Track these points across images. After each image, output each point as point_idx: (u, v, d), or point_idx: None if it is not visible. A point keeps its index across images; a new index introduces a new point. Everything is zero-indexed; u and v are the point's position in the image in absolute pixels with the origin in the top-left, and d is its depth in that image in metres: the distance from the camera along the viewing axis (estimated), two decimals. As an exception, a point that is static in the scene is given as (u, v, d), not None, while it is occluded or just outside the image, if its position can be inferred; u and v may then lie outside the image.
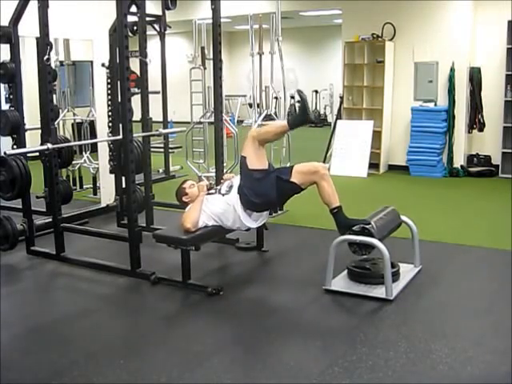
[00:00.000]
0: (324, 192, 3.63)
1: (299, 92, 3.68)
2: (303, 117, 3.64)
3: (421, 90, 8.03)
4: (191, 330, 3.22)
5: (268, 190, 3.70)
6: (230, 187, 3.85)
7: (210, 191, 3.94)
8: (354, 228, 3.62)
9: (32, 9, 4.19)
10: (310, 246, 4.78)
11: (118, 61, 4.02)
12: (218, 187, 3.98)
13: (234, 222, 3.80)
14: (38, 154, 4.80)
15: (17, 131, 4.45)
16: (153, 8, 5.97)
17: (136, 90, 5.08)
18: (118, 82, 4.04)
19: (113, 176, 5.34)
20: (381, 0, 8.01)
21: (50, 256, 4.43)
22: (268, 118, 5.94)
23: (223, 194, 3.83)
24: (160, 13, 5.49)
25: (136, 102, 4.27)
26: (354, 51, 8.33)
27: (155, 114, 5.34)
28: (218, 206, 3.79)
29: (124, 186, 4.54)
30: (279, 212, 5.76)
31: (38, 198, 5.13)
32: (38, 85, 4.57)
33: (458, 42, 7.72)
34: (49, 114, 4.29)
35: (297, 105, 3.72)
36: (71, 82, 7.32)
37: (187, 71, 6.66)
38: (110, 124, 5.19)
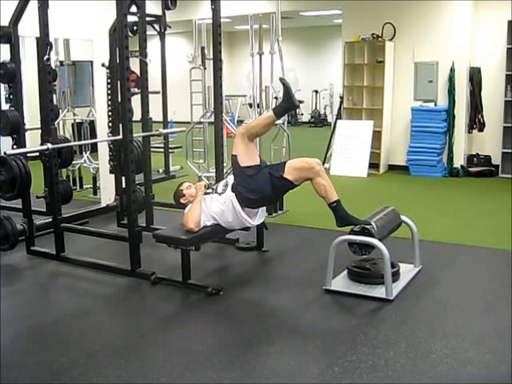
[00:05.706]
0: (320, 188, 3.61)
1: (282, 80, 3.68)
2: (287, 103, 3.63)
3: (421, 89, 8.03)
4: (191, 330, 3.22)
5: (262, 186, 3.68)
6: (226, 186, 3.86)
7: (207, 191, 3.94)
8: (354, 228, 3.62)
9: (32, 9, 4.19)
10: (310, 246, 4.78)
11: (118, 61, 4.02)
12: (215, 187, 3.98)
13: (234, 220, 3.80)
14: (38, 154, 4.79)
15: (17, 131, 4.45)
16: (153, 8, 5.96)
17: (136, 89, 5.08)
18: (118, 82, 4.04)
19: (113, 176, 5.34)
20: (381, 0, 8.02)
21: (50, 256, 4.43)
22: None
23: (220, 193, 3.83)
24: (160, 13, 5.48)
25: (136, 102, 4.27)
26: (353, 51, 8.33)
27: (155, 114, 5.34)
28: (216, 205, 3.79)
29: (124, 186, 4.54)
30: (279, 212, 5.76)
31: (38, 197, 5.13)
32: (38, 85, 4.57)
33: (457, 42, 7.72)
34: (49, 114, 4.28)
35: (280, 93, 3.70)
36: (71, 82, 7.34)
37: (187, 71, 6.67)
38: (110, 124, 5.19)
